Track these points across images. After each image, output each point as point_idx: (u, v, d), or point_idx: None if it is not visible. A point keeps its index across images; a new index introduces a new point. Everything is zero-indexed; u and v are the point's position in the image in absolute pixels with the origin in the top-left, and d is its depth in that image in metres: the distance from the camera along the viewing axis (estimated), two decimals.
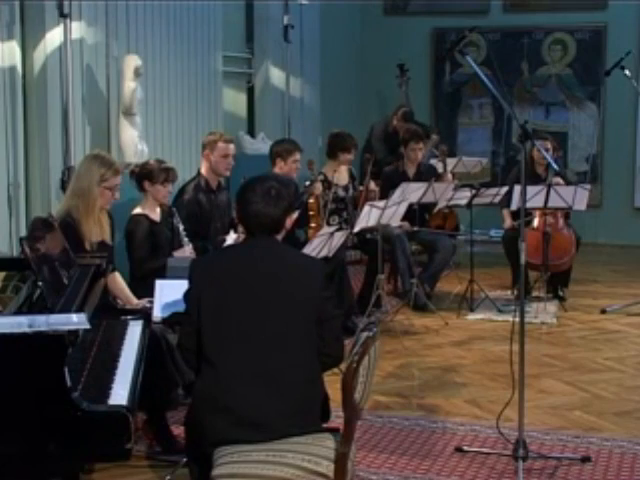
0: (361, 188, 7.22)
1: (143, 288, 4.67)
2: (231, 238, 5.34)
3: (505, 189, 7.30)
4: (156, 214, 5.22)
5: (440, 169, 8.16)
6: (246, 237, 3.37)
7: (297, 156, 6.51)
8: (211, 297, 3.16)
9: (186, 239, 5.19)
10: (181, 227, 5.22)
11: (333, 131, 7.31)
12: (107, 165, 4.64)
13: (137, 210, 5.15)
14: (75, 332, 2.92)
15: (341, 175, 7.27)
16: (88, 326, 2.97)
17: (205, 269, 3.24)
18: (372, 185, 7.27)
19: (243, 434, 3.05)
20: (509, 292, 7.65)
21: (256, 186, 3.25)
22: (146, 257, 5.06)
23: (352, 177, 7.41)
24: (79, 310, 3.18)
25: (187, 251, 5.15)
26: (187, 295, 3.24)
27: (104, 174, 4.59)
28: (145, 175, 5.13)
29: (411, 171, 7.65)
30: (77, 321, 2.94)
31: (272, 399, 3.08)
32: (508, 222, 7.59)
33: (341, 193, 7.21)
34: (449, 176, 8.22)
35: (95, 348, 3.30)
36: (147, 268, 4.97)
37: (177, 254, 5.13)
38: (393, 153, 8.69)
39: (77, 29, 5.91)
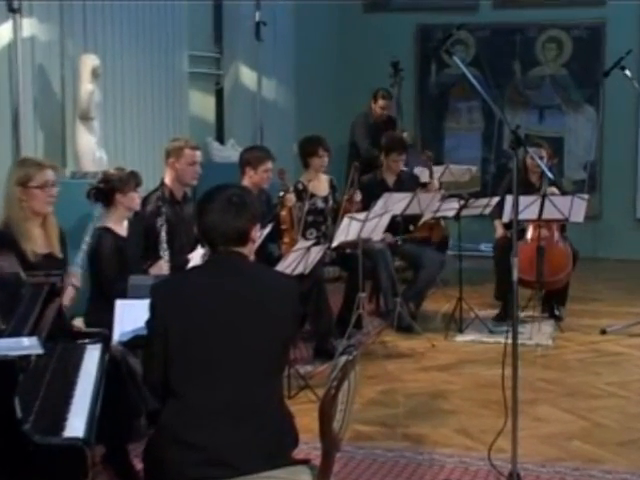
0: (345, 197, 7.13)
1: (110, 311, 4.55)
2: (198, 254, 5.29)
3: (496, 199, 7.33)
4: (122, 228, 5.14)
5: (426, 177, 8.14)
6: (210, 253, 3.29)
7: (269, 165, 6.45)
8: (178, 327, 3.10)
9: (165, 245, 5.15)
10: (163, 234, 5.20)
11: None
12: (28, 165, 4.67)
13: (100, 224, 5.02)
14: (27, 357, 2.90)
15: (321, 185, 7.22)
16: (41, 351, 2.96)
17: (169, 297, 3.17)
18: (358, 196, 7.10)
19: (210, 473, 3.02)
20: (497, 311, 7.61)
21: (215, 195, 3.20)
22: (115, 276, 4.94)
23: (333, 187, 7.36)
24: (31, 333, 3.16)
25: (164, 267, 5.09)
26: (149, 325, 3.19)
27: (27, 174, 4.59)
28: (116, 187, 5.05)
29: (391, 179, 7.64)
30: (29, 345, 2.93)
31: (242, 435, 3.05)
32: (500, 231, 7.56)
33: (320, 204, 7.18)
34: (435, 183, 8.16)
35: (49, 375, 3.28)
36: (118, 289, 4.74)
37: (153, 271, 5.08)
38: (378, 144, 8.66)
39: (28, 26, 5.90)
